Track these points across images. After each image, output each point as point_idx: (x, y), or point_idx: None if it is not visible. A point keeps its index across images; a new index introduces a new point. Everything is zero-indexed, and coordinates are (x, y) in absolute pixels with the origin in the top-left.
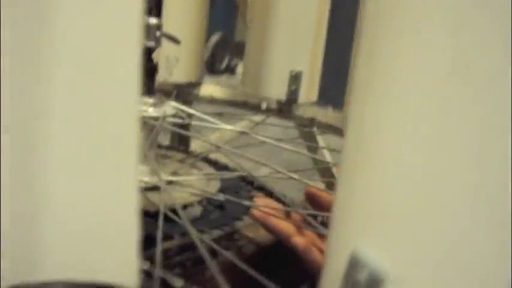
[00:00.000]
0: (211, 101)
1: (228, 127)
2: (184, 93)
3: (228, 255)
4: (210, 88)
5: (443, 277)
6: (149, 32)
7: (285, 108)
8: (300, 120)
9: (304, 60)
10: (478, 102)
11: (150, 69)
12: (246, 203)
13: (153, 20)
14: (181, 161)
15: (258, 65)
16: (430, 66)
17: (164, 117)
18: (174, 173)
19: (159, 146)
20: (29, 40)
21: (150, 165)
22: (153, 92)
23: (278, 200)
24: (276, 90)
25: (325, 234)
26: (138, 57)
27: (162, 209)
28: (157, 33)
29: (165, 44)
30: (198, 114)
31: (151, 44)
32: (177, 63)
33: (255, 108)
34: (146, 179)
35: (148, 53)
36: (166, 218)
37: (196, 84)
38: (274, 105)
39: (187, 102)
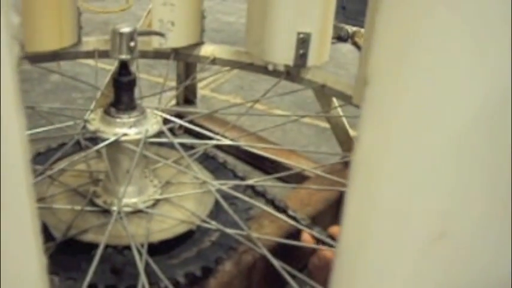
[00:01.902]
0: (214, 61)
1: (222, 142)
2: (184, 55)
3: None
4: (211, 48)
5: None
6: (121, 43)
7: (294, 71)
8: (310, 84)
9: (313, 20)
10: None
11: (127, 83)
12: (238, 234)
13: (125, 29)
14: (177, 162)
15: (262, 26)
16: None
17: (146, 139)
18: (166, 184)
19: (152, 143)
20: None
21: (137, 184)
22: (133, 107)
23: (277, 207)
24: (282, 54)
25: None
26: None
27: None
28: (131, 44)
29: (159, 8)
30: (187, 125)
31: (125, 56)
32: (173, 27)
33: (262, 70)
34: (134, 200)
35: (123, 66)
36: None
37: (196, 45)
38: (282, 68)
39: (188, 71)
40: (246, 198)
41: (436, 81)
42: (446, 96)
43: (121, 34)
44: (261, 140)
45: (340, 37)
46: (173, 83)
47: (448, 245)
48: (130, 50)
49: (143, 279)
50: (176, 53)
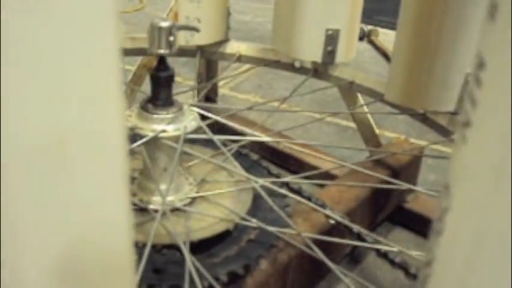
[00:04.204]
0: (240, 59)
1: (258, 137)
2: (209, 53)
3: None
4: (237, 45)
5: None
6: (160, 38)
7: (321, 69)
8: (338, 81)
9: (341, 16)
10: None
11: (165, 79)
12: (278, 232)
13: (164, 23)
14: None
15: (290, 23)
16: None
17: (185, 135)
18: (202, 182)
19: (187, 140)
20: None
21: (173, 182)
22: (171, 103)
23: (314, 203)
24: (310, 51)
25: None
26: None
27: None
28: (171, 38)
29: (186, 4)
30: (222, 120)
31: (164, 51)
32: (199, 24)
33: (288, 67)
34: (171, 198)
35: (162, 61)
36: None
37: (221, 43)
38: (309, 65)
39: (210, 69)
40: (292, 195)
41: None
42: None
43: (160, 28)
44: (286, 139)
45: None
46: (190, 82)
47: None
48: (170, 45)
49: (194, 277)
50: (202, 51)
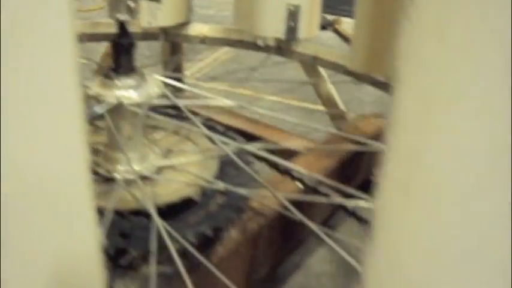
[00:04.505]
0: (204, 41)
1: (223, 102)
2: (173, 35)
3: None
4: (200, 27)
5: None
6: (120, 3)
7: (284, 45)
8: (301, 57)
9: None
10: None
11: (126, 46)
12: (245, 192)
13: None
14: (176, 133)
15: (250, 0)
16: None
17: (148, 102)
18: (168, 152)
19: (153, 109)
20: None
21: (139, 152)
22: (133, 70)
23: (281, 171)
24: (272, 27)
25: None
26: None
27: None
28: (131, 4)
29: None
30: (189, 88)
31: (124, 17)
32: (160, 5)
33: (252, 46)
34: (136, 167)
35: (122, 27)
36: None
37: (185, 25)
38: (272, 42)
39: (175, 49)
40: (274, 158)
41: None
42: None
43: None
44: (253, 121)
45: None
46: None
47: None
48: (130, 11)
49: (166, 239)
50: (165, 34)
